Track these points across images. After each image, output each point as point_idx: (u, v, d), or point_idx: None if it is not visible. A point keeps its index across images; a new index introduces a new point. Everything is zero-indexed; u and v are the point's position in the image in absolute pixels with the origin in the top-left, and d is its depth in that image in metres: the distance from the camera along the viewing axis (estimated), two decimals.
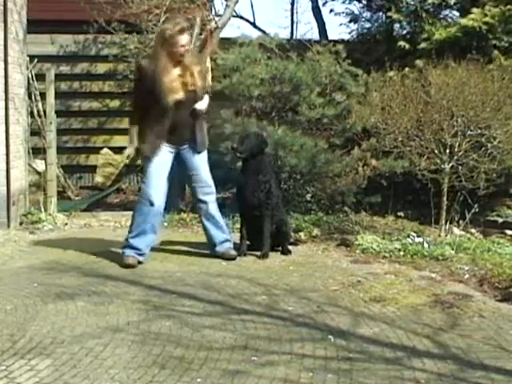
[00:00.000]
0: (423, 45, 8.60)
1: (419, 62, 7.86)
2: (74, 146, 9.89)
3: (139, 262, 5.34)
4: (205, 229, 5.69)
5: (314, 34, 11.72)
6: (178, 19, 5.58)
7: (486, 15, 8.35)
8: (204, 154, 5.57)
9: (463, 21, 8.51)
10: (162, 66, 5.22)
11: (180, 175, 5.68)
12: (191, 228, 6.89)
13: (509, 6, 8.34)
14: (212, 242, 5.66)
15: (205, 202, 5.58)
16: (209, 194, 5.59)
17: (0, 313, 4.13)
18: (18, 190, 7.04)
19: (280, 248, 5.87)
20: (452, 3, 9.46)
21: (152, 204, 5.32)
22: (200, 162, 5.54)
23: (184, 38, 5.27)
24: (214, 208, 5.62)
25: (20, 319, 4.02)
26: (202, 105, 5.45)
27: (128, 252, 5.35)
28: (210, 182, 5.61)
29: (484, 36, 8.40)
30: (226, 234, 5.71)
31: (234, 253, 5.62)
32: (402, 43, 8.84)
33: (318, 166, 7.40)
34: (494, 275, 5.00)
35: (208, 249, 5.71)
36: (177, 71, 5.31)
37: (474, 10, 8.43)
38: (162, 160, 5.38)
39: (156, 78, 5.19)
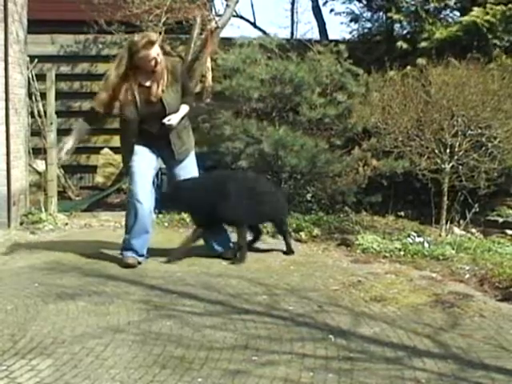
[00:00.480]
0: (423, 44, 8.60)
1: (421, 61, 7.86)
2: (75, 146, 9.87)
3: (139, 263, 5.34)
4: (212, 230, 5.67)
5: (315, 34, 11.72)
6: (146, 33, 5.60)
7: (487, 13, 8.35)
8: (188, 160, 5.55)
9: (465, 18, 8.52)
10: (117, 78, 5.22)
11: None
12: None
13: (510, 6, 8.34)
14: (209, 241, 5.66)
15: None
16: None
17: (1, 313, 4.13)
18: (18, 190, 7.04)
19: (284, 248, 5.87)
20: (452, 3, 9.46)
21: (140, 202, 5.30)
22: (183, 169, 5.54)
23: (152, 52, 5.14)
24: None
25: (21, 319, 4.03)
26: (174, 119, 5.28)
27: (128, 253, 5.35)
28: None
29: (485, 35, 8.40)
30: (227, 234, 5.73)
31: (235, 253, 5.62)
32: (401, 43, 8.85)
33: (319, 166, 7.41)
34: (495, 275, 5.00)
35: (209, 249, 5.71)
36: (148, 83, 5.27)
37: (476, 8, 8.44)
38: (145, 160, 5.37)
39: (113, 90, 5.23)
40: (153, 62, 5.18)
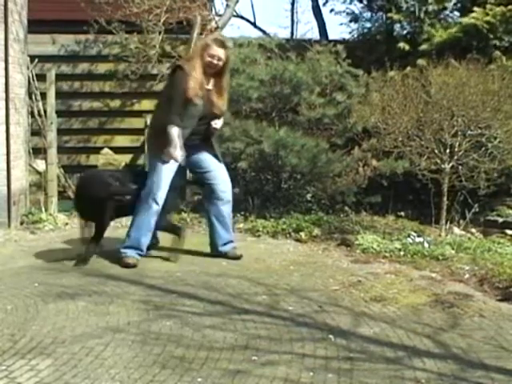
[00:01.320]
0: (424, 46, 8.61)
1: (421, 61, 7.86)
2: (75, 146, 9.88)
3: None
4: (212, 228, 5.67)
5: (315, 34, 11.77)
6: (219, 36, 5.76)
7: (487, 14, 8.35)
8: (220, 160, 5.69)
9: (464, 19, 8.52)
10: (194, 73, 5.29)
11: (181, 176, 5.69)
12: (192, 228, 6.89)
13: (510, 7, 8.34)
14: (216, 241, 5.65)
15: (220, 200, 5.57)
16: (225, 193, 5.60)
17: (1, 312, 4.14)
18: (18, 190, 7.04)
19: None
20: (452, 3, 9.47)
21: (157, 204, 5.34)
22: (217, 162, 5.62)
23: (219, 51, 5.34)
24: (227, 208, 5.62)
25: (21, 319, 4.03)
26: (219, 123, 5.56)
27: (129, 252, 5.36)
28: (228, 180, 5.63)
29: (485, 36, 8.41)
30: (231, 234, 5.73)
31: (238, 253, 5.63)
32: (401, 44, 8.85)
33: (319, 166, 7.41)
34: (495, 275, 5.01)
35: (210, 248, 5.70)
36: (210, 85, 5.41)
37: (476, 8, 8.44)
38: (174, 164, 5.39)
39: (186, 84, 5.25)
40: (216, 61, 5.34)
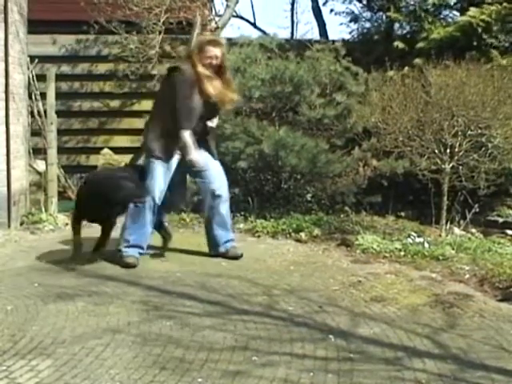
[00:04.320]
0: (421, 44, 8.60)
1: (418, 61, 7.85)
2: (75, 146, 9.88)
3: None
4: (210, 227, 5.64)
5: (314, 34, 11.77)
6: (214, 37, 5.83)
7: (483, 13, 8.33)
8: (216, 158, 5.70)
9: (461, 18, 8.51)
10: (204, 74, 5.35)
11: (181, 175, 5.69)
12: (191, 228, 6.89)
13: (505, 5, 8.30)
14: (215, 241, 5.64)
15: (218, 197, 5.55)
16: (221, 191, 5.57)
17: (1, 313, 4.14)
18: (18, 190, 7.04)
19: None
20: (452, 3, 9.47)
21: (154, 201, 5.36)
22: (213, 160, 5.61)
23: (215, 51, 5.39)
24: (224, 206, 5.62)
25: (21, 319, 4.03)
26: (214, 122, 5.63)
27: (130, 251, 5.36)
28: (224, 178, 5.62)
29: (480, 35, 8.39)
30: (230, 233, 5.72)
31: (238, 252, 5.63)
32: (398, 43, 8.84)
33: (319, 166, 7.40)
34: (495, 275, 5.01)
35: (208, 249, 5.70)
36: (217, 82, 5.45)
37: (472, 8, 8.42)
38: (172, 162, 5.41)
39: (200, 85, 5.31)
40: (212, 60, 5.39)
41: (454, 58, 6.95)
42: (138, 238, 5.39)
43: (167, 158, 5.38)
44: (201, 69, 5.35)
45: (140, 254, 5.40)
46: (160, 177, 5.38)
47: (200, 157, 5.41)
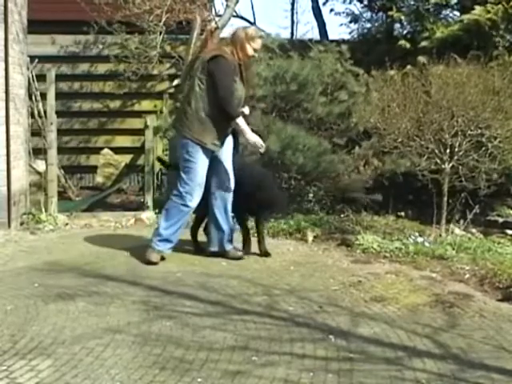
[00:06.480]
0: (424, 43, 8.59)
1: (421, 58, 7.83)
2: (75, 147, 9.90)
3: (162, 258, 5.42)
4: (210, 227, 5.63)
5: (314, 34, 11.76)
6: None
7: (488, 12, 8.33)
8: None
9: (466, 17, 8.49)
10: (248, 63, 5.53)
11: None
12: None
13: (511, 4, 8.31)
14: (215, 241, 5.64)
15: (225, 192, 5.52)
16: (229, 187, 5.54)
17: (1, 313, 4.14)
18: (18, 191, 7.04)
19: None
20: (453, 3, 9.47)
21: (192, 202, 5.35)
22: (227, 157, 5.55)
23: (260, 43, 5.51)
24: (228, 202, 5.59)
25: (21, 319, 4.03)
26: (246, 109, 5.59)
27: (162, 246, 5.37)
28: (232, 177, 5.57)
29: (486, 33, 8.38)
30: (231, 233, 5.69)
31: (239, 253, 5.63)
32: (402, 42, 8.84)
33: (323, 166, 7.39)
34: (495, 275, 5.01)
35: (210, 248, 5.69)
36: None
37: (477, 7, 8.42)
38: (207, 160, 5.38)
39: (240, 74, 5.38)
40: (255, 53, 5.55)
41: (456, 57, 6.95)
42: (174, 235, 5.38)
43: (217, 146, 5.38)
44: (246, 57, 5.42)
45: (170, 249, 5.42)
46: (202, 164, 5.33)
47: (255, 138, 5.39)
